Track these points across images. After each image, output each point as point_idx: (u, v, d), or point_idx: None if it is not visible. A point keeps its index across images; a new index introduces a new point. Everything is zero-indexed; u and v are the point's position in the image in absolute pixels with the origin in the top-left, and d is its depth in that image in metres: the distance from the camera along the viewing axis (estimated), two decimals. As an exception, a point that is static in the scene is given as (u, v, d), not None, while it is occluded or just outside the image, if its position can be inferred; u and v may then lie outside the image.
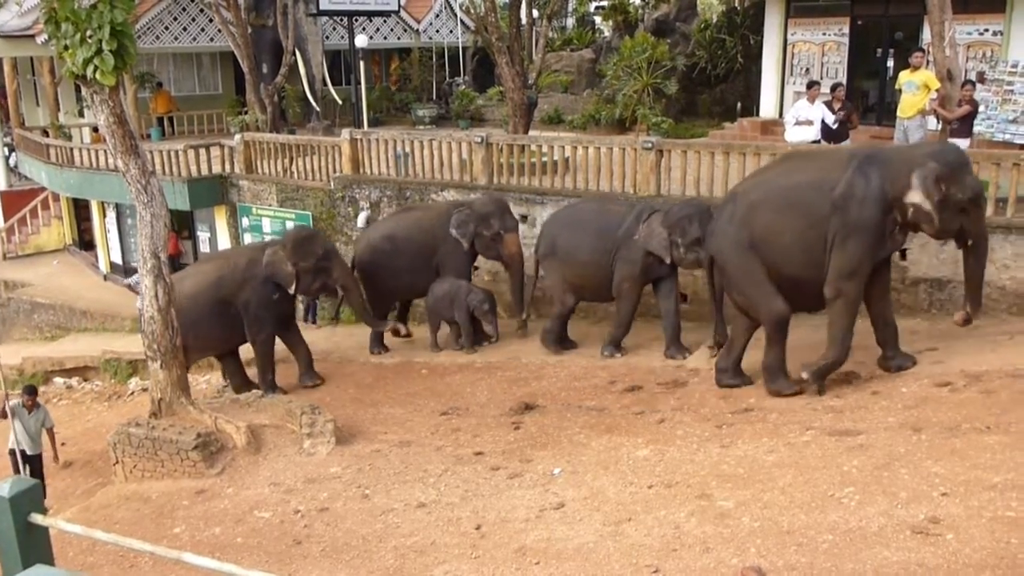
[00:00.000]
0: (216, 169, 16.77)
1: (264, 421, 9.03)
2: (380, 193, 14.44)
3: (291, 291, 11.25)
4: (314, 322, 13.06)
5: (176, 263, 14.98)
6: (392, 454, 8.35)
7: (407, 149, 14.26)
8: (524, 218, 12.74)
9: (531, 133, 16.13)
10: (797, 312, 8.51)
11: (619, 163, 12.12)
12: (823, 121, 12.00)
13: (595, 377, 10.15)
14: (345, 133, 14.92)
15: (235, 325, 11.28)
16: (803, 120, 12.06)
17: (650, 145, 11.79)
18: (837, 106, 12.15)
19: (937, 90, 11.25)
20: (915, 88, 11.59)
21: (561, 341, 11.20)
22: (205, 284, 11.26)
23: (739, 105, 19.29)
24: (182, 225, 17.92)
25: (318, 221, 15.10)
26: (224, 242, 16.85)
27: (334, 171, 15.07)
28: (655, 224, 10.16)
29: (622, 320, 10.60)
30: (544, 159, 13.22)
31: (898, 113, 11.99)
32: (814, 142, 11.69)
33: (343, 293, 11.69)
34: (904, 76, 11.85)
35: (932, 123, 12.35)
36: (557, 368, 10.69)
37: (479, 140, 13.30)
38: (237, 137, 16.81)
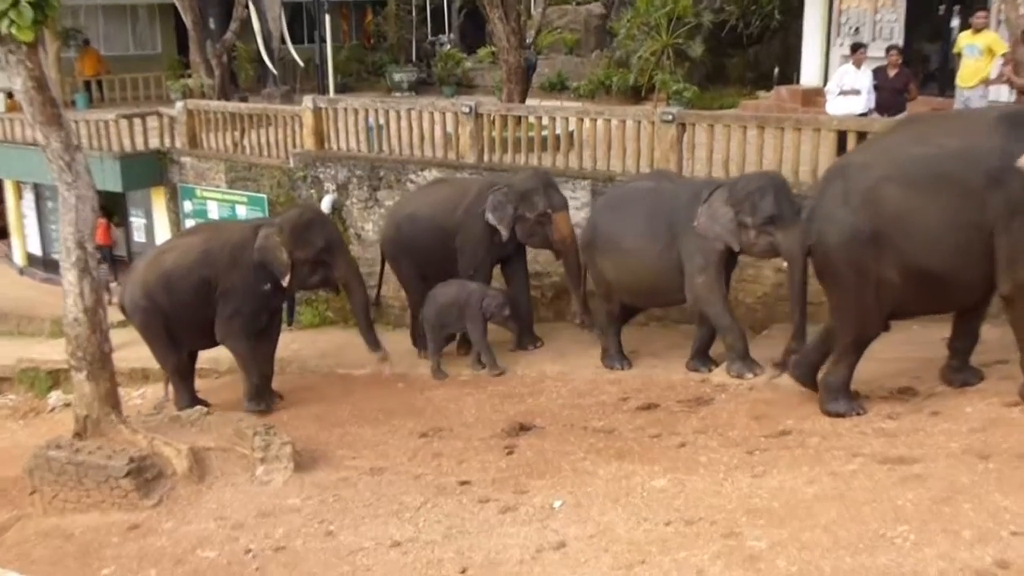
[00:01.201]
0: (154, 143, 16.75)
1: (209, 443, 9.01)
2: (349, 173, 14.45)
3: (284, 283, 11.14)
4: (290, 324, 12.93)
5: (107, 254, 14.95)
6: (362, 483, 8.34)
7: (381, 120, 14.25)
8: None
9: (528, 102, 16.13)
10: (938, 314, 8.25)
11: (633, 138, 12.14)
12: (875, 88, 11.99)
13: (603, 392, 10.15)
14: (307, 101, 14.91)
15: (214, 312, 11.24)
16: (848, 89, 12.09)
17: (670, 117, 11.81)
18: (892, 72, 12.18)
19: (1004, 55, 11.25)
20: (977, 53, 11.60)
21: (622, 357, 10.87)
22: (190, 259, 11.22)
23: (776, 71, 19.31)
24: (113, 210, 17.89)
25: (275, 205, 15.08)
26: (163, 230, 16.84)
27: (294, 146, 15.06)
28: (717, 203, 9.68)
29: (723, 324, 9.96)
30: (544, 133, 13.24)
31: (957, 82, 12.02)
32: (861, 115, 11.70)
33: (346, 293, 11.63)
34: (964, 39, 11.87)
35: (998, 93, 12.37)
36: (558, 382, 10.71)
37: (467, 110, 13.31)
38: (179, 105, 16.79)
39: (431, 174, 13.60)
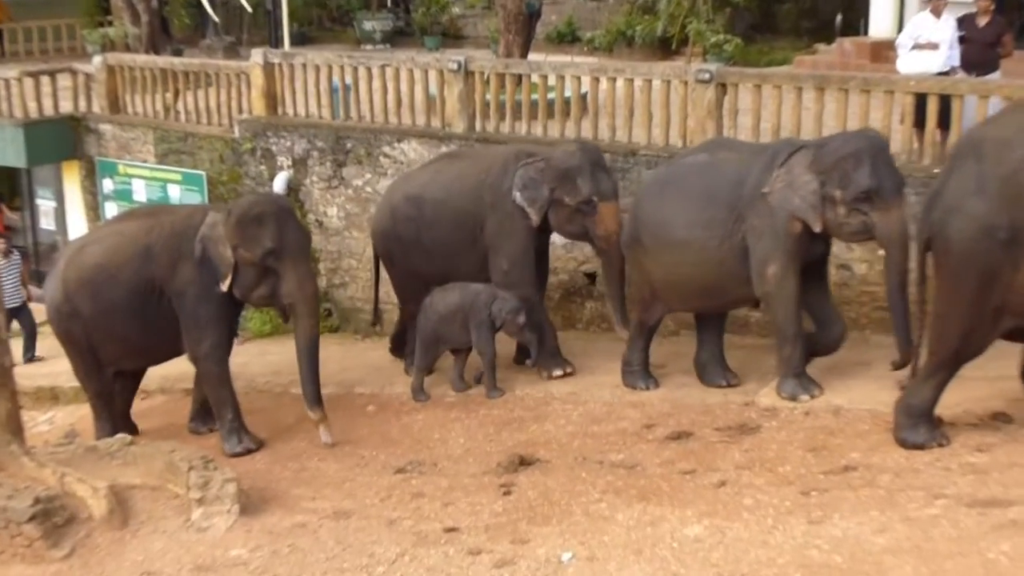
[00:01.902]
0: (66, 108, 16.79)
1: (134, 480, 8.99)
2: (308, 144, 14.47)
3: (222, 287, 10.65)
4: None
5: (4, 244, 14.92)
6: (323, 530, 8.30)
7: (348, 80, 14.27)
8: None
9: (531, 57, 16.13)
10: None
11: (661, 103, 12.14)
12: (961, 41, 11.98)
13: (622, 418, 10.15)
14: (256, 55, 14.93)
15: (167, 325, 10.92)
16: (924, 43, 12.09)
17: (708, 76, 11.82)
18: (983, 21, 12.19)
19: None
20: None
21: (647, 375, 10.77)
22: (125, 254, 10.97)
23: (839, 19, 19.33)
24: (13, 189, 17.88)
25: (216, 184, 15.08)
26: (77, 215, 16.83)
27: (240, 112, 15.11)
28: (798, 168, 9.42)
29: (786, 332, 9.71)
30: (551, 96, 13.24)
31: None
32: (941, 74, 11.70)
33: (293, 317, 10.86)
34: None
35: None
36: (567, 404, 10.71)
37: (454, 67, 13.32)
38: (97, 60, 16.79)
39: (410, 146, 13.60)
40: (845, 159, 9.20)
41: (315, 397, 10.72)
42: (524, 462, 9.29)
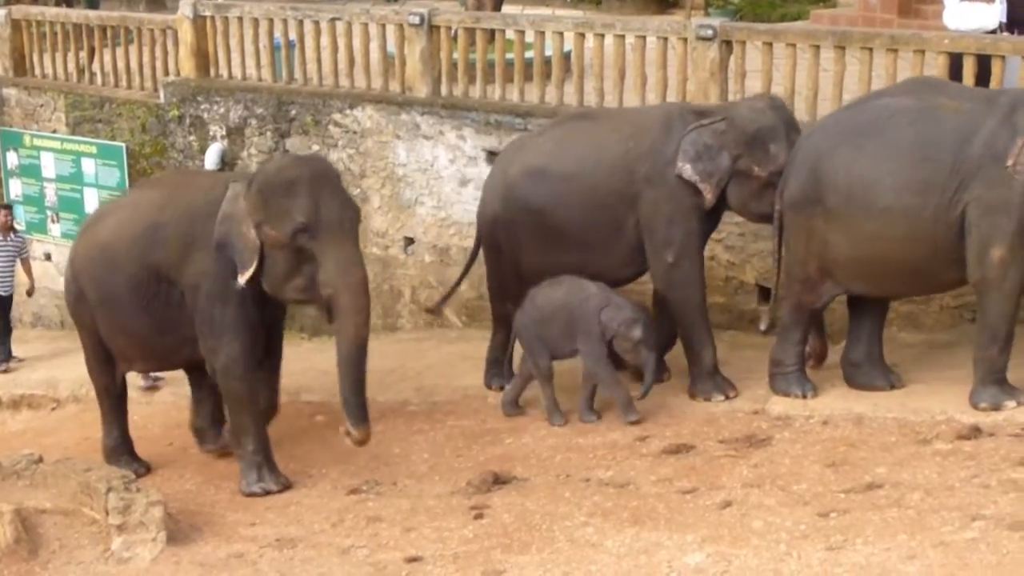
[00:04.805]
0: (-39, 69, 16.63)
1: (45, 503, 8.96)
2: (245, 111, 14.44)
3: (241, 280, 9.72)
4: None
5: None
6: (264, 561, 8.29)
7: (292, 36, 14.25)
8: (494, 155, 12.71)
9: (505, 10, 16.09)
10: None
11: (658, 63, 12.14)
12: None
13: (612, 429, 10.17)
14: (185, 6, 14.81)
15: (185, 324, 10.19)
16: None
17: (711, 33, 11.81)
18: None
19: None
20: None
21: (804, 378, 10.09)
22: (129, 234, 10.28)
23: (860, -33, 19.38)
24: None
25: (138, 158, 15.01)
26: (-25, 194, 16.69)
27: (166, 73, 15.06)
28: None
29: (999, 329, 9.18)
30: (528, 55, 13.23)
31: None
32: (992, 32, 11.72)
33: (332, 315, 9.88)
34: None
35: None
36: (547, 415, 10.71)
37: (416, 21, 13.27)
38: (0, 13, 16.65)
39: (365, 113, 13.58)
40: None
41: (363, 413, 9.80)
42: (498, 480, 9.29)
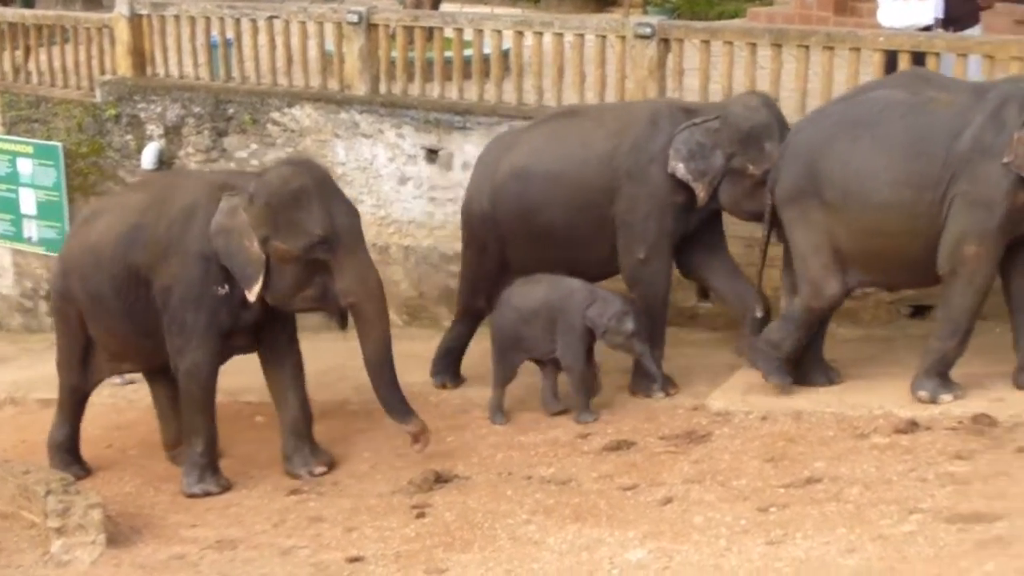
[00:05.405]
0: None
1: (-20, 507, 8.89)
2: (182, 110, 14.31)
3: (250, 296, 9.62)
4: None
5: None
6: (205, 563, 8.26)
7: (230, 34, 14.15)
8: (433, 154, 12.76)
9: (444, 8, 16.08)
10: None
11: (596, 61, 12.16)
12: None
13: (553, 426, 10.18)
14: (121, 5, 14.66)
15: (160, 322, 10.05)
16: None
17: (648, 31, 11.83)
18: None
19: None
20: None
21: (812, 368, 9.92)
22: (113, 234, 10.13)
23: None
24: None
25: (75, 157, 14.88)
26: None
27: (102, 72, 14.89)
28: None
29: (961, 324, 9.14)
30: (467, 53, 13.21)
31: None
32: (924, 29, 11.84)
33: (355, 323, 9.87)
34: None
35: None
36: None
37: (355, 19, 13.23)
38: (-70, 11, 16.46)
39: (303, 112, 13.50)
40: None
41: (403, 408, 9.91)
42: (440, 479, 9.28)
